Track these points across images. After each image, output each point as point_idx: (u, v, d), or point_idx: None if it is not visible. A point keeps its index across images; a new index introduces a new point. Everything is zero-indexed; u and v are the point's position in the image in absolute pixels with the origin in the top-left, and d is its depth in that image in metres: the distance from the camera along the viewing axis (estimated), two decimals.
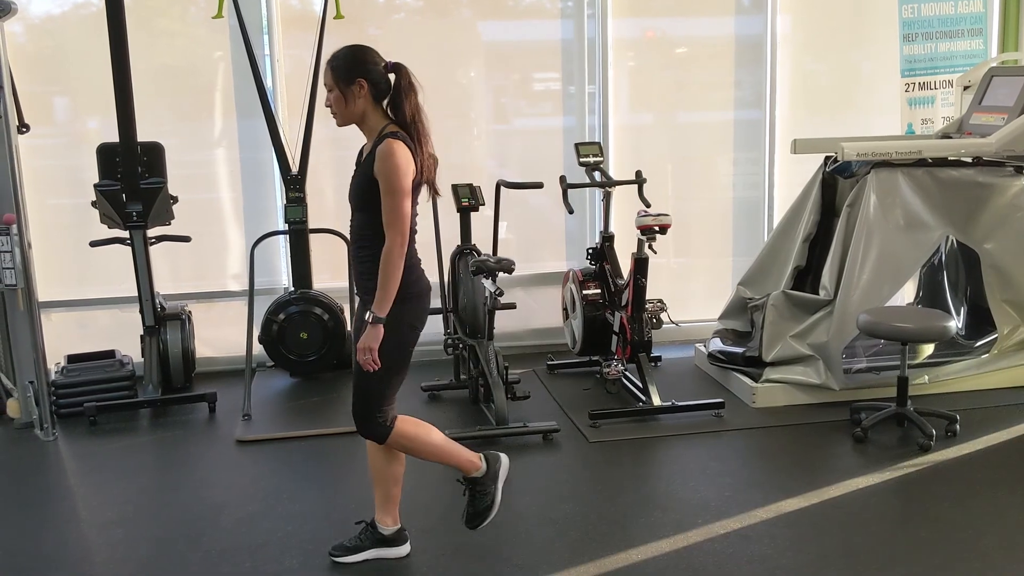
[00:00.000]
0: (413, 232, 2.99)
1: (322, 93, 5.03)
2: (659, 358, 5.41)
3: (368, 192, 2.89)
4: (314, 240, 5.19)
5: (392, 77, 2.95)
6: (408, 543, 3.27)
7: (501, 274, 4.29)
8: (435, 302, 5.26)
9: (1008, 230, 4.68)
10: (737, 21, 5.84)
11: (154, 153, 4.73)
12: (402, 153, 2.85)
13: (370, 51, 2.99)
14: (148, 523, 3.59)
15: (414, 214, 2.98)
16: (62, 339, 5.17)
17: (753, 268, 5.24)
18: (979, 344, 4.86)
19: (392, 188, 2.84)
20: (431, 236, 5.13)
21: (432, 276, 5.14)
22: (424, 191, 3.03)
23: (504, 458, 3.26)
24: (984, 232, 4.70)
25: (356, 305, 3.19)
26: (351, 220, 3.04)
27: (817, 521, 3.47)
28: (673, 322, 4.99)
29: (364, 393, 3.04)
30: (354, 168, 3.03)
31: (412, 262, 2.99)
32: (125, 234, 4.78)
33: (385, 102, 2.97)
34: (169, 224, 4.86)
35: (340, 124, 3.02)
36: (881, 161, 4.57)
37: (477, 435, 4.28)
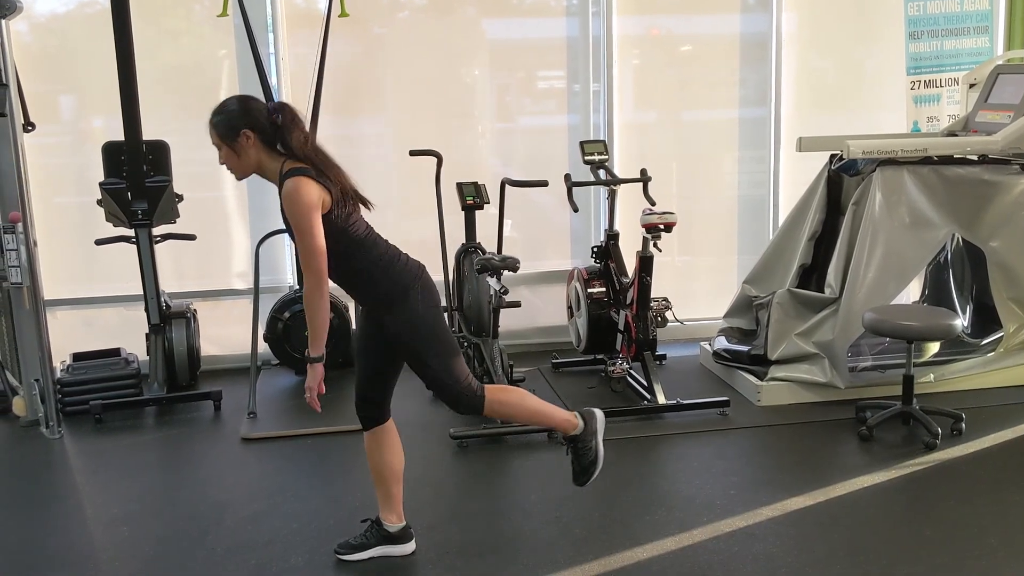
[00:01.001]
0: (371, 240, 2.98)
1: (327, 92, 5.10)
2: (664, 356, 5.41)
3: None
4: None
5: (278, 118, 2.87)
6: (413, 540, 3.27)
7: (506, 272, 4.29)
8: (439, 302, 5.32)
9: (1014, 228, 4.67)
10: (742, 19, 5.84)
11: (159, 151, 4.74)
12: (305, 188, 2.78)
13: (249, 100, 2.93)
14: (153, 521, 3.59)
15: (360, 224, 2.96)
16: (68, 337, 5.18)
17: (758, 266, 5.23)
18: (985, 342, 4.85)
19: (300, 228, 2.79)
20: (435, 234, 5.13)
21: (436, 275, 5.19)
22: (358, 208, 2.99)
23: (599, 413, 3.28)
24: (990, 230, 4.69)
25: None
26: None
27: (822, 520, 3.46)
28: (678, 320, 4.99)
29: (437, 381, 3.06)
30: None
31: (387, 262, 2.99)
32: (130, 232, 4.79)
33: (277, 144, 2.90)
34: (174, 222, 4.86)
35: (239, 178, 2.99)
36: (887, 159, 4.56)
37: (482, 433, 4.29)
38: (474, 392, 3.07)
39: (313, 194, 2.80)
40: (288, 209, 2.80)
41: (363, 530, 3.27)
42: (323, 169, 2.87)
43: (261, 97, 4.97)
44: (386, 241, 3.08)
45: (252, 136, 2.85)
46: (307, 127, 2.94)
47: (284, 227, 2.95)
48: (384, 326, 3.03)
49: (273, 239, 5.19)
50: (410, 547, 3.26)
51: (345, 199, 2.90)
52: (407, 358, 3.07)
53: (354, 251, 2.96)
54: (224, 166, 2.94)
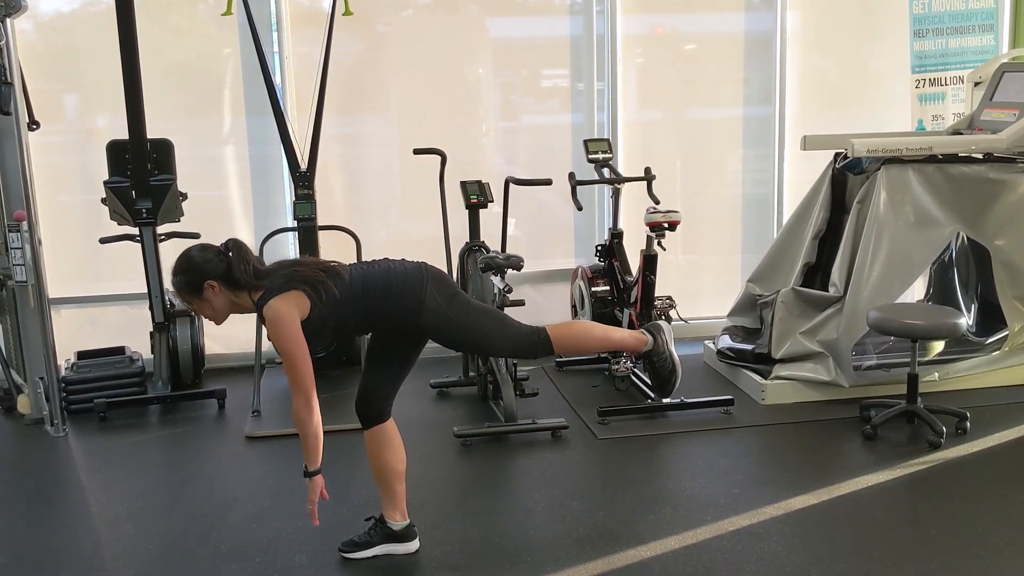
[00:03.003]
0: (370, 274, 2.98)
1: (331, 90, 5.11)
2: None
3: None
4: (323, 237, 5.19)
5: (231, 255, 2.91)
6: (417, 539, 3.27)
7: (510, 271, 4.29)
8: (454, 284, 5.31)
9: (1019, 226, 4.66)
10: (746, 17, 5.83)
11: (164, 150, 4.74)
12: (279, 315, 2.83)
13: (204, 249, 2.95)
14: (158, 519, 3.60)
15: (342, 283, 2.93)
16: (72, 336, 5.18)
17: (762, 265, 5.23)
18: (989, 341, 4.83)
19: (284, 352, 2.85)
20: (439, 232, 5.13)
21: None
22: (338, 273, 2.98)
23: (664, 324, 3.31)
24: (995, 228, 4.68)
25: None
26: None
27: (827, 518, 3.46)
28: (682, 319, 4.99)
29: (495, 350, 3.23)
30: None
31: (387, 285, 2.97)
32: (135, 231, 4.80)
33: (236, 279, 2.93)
34: (179, 221, 4.87)
35: (218, 324, 3.03)
36: (891, 157, 4.55)
37: (486, 432, 4.29)
38: (537, 338, 3.09)
39: (291, 314, 2.85)
40: (274, 336, 2.86)
41: (367, 528, 3.27)
42: (283, 282, 2.89)
43: (264, 97, 5.00)
44: (375, 264, 3.06)
45: (216, 285, 2.91)
46: (248, 254, 2.94)
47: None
48: (415, 334, 3.07)
49: (277, 237, 5.20)
50: (414, 545, 3.27)
51: (321, 288, 2.90)
52: (459, 347, 3.20)
53: (358, 308, 2.97)
54: (204, 317, 3.03)
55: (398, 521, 3.24)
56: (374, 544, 3.23)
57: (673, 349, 3.31)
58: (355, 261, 4.96)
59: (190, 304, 2.98)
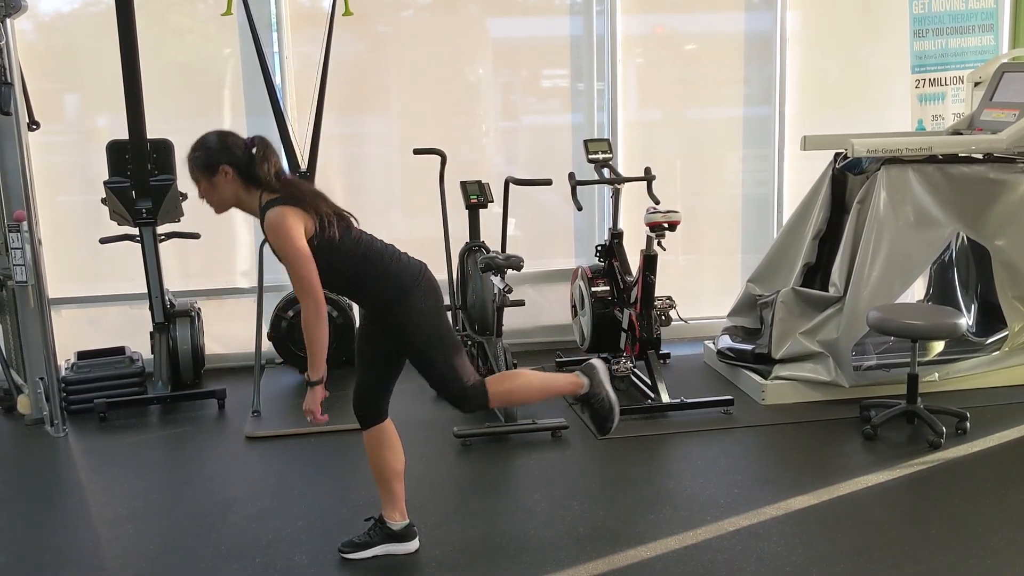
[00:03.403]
0: (368, 249, 2.98)
1: (331, 90, 5.10)
2: (668, 355, 5.40)
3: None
4: None
5: (255, 151, 2.91)
6: (417, 539, 3.28)
7: (510, 271, 4.29)
8: (444, 299, 5.32)
9: (1019, 227, 4.66)
10: (747, 17, 5.83)
11: (164, 150, 4.74)
12: (284, 217, 2.82)
13: (227, 135, 2.95)
14: (158, 519, 3.60)
15: (348, 241, 2.94)
16: (72, 336, 5.18)
17: (762, 265, 5.23)
18: (989, 341, 4.84)
19: (289, 257, 2.83)
20: (439, 232, 5.13)
21: (441, 273, 5.19)
22: (342, 223, 2.98)
23: (598, 363, 3.33)
24: (995, 229, 4.68)
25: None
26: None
27: (827, 518, 3.46)
28: (682, 319, 4.98)
29: (442, 380, 3.09)
30: None
31: (386, 265, 2.99)
32: (135, 231, 4.80)
33: (252, 175, 2.93)
34: (179, 221, 4.87)
35: (218, 212, 3.02)
36: (891, 157, 4.55)
37: (486, 432, 4.29)
38: (478, 389, 3.09)
39: (294, 221, 2.84)
40: (272, 240, 2.84)
41: (367, 528, 3.27)
42: (299, 197, 2.91)
43: (264, 97, 5.00)
44: (384, 243, 3.09)
45: (230, 171, 2.89)
46: (276, 158, 2.96)
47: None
48: (388, 326, 3.04)
49: None
50: (414, 545, 3.27)
51: (328, 222, 2.91)
52: (411, 357, 3.08)
53: (351, 264, 2.97)
54: (203, 200, 2.99)
55: (397, 521, 3.24)
56: (374, 544, 3.24)
57: (610, 389, 3.28)
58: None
59: (198, 184, 2.94)
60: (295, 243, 2.82)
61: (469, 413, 3.23)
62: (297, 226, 2.84)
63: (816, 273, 4.96)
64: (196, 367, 5.06)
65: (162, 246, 4.88)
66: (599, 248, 5.21)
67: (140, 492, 3.85)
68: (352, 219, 3.04)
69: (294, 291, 2.89)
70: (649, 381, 4.69)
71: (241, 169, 2.89)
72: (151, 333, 4.97)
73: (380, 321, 3.06)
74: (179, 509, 3.68)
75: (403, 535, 3.25)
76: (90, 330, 5.35)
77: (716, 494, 3.68)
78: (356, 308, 5.13)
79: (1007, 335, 4.80)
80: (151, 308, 4.91)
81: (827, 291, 4.72)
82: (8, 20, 4.28)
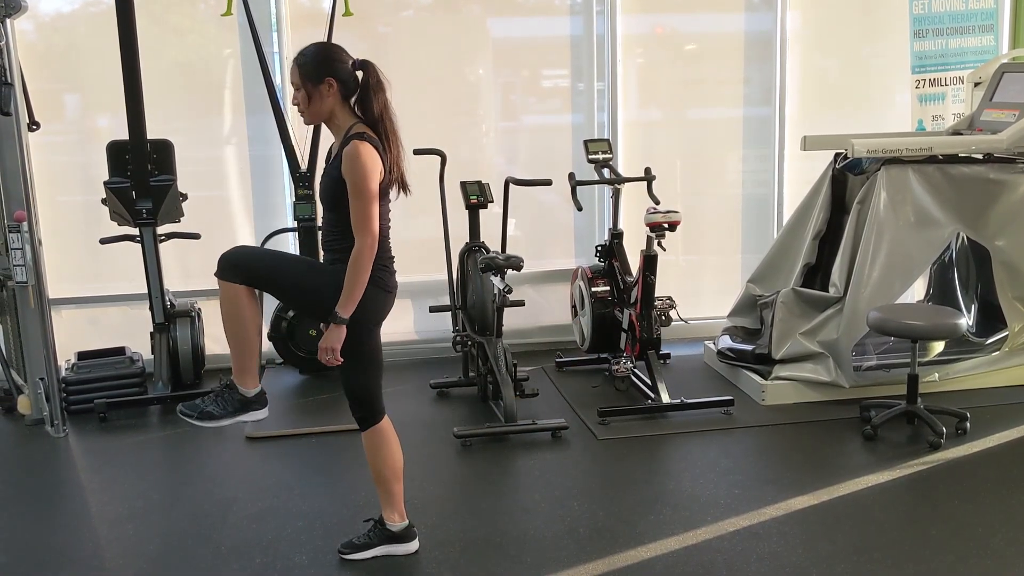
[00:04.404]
0: (386, 232, 2.99)
1: None
2: (668, 355, 5.40)
3: (337, 192, 2.89)
4: None
5: (360, 75, 2.93)
6: (416, 539, 3.27)
7: (510, 271, 4.29)
8: (444, 299, 5.33)
9: (1019, 227, 4.66)
10: (747, 17, 5.83)
11: (164, 150, 4.74)
12: (368, 154, 2.84)
13: (338, 49, 2.98)
14: (158, 519, 3.60)
15: (386, 212, 2.98)
16: (72, 336, 5.18)
17: (763, 265, 5.23)
18: (990, 342, 4.84)
19: (359, 191, 2.83)
20: (439, 233, 5.13)
21: (441, 273, 5.20)
22: (395, 190, 3.03)
23: (414, 545, 3.26)
24: (995, 229, 4.68)
25: None
26: (323, 219, 3.06)
27: (827, 519, 3.46)
28: (682, 319, 4.98)
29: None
30: (324, 165, 3.03)
31: (383, 263, 2.99)
32: (135, 231, 4.79)
33: (353, 100, 2.96)
34: (179, 221, 4.87)
35: (308, 122, 3.03)
36: (891, 158, 4.55)
37: (486, 432, 4.29)
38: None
39: (377, 161, 2.86)
40: (350, 169, 2.83)
41: (366, 530, 3.27)
42: (388, 145, 2.94)
43: (266, 94, 5.01)
44: (388, 244, 3.07)
45: (335, 85, 2.90)
46: (387, 93, 2.97)
47: (319, 192, 2.99)
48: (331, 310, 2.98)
49: (278, 238, 5.20)
50: (413, 546, 3.27)
51: (391, 181, 2.95)
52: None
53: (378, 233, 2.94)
54: (296, 107, 2.96)
55: (397, 522, 3.24)
56: (373, 545, 3.23)
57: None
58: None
59: (298, 87, 2.92)
60: (371, 179, 2.84)
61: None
62: (377, 167, 2.86)
63: (816, 273, 4.97)
64: (196, 367, 5.06)
65: (162, 246, 4.87)
66: (599, 248, 5.21)
67: (140, 492, 3.85)
68: (407, 193, 3.08)
69: (353, 225, 2.86)
70: (649, 381, 4.68)
71: (345, 87, 2.91)
72: (151, 333, 4.97)
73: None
74: (179, 509, 3.68)
75: (403, 536, 3.25)
76: (90, 330, 5.35)
77: (716, 494, 3.68)
78: None
79: (1007, 335, 4.80)
80: (151, 308, 4.91)
81: (827, 291, 4.72)
82: (8, 20, 4.28)
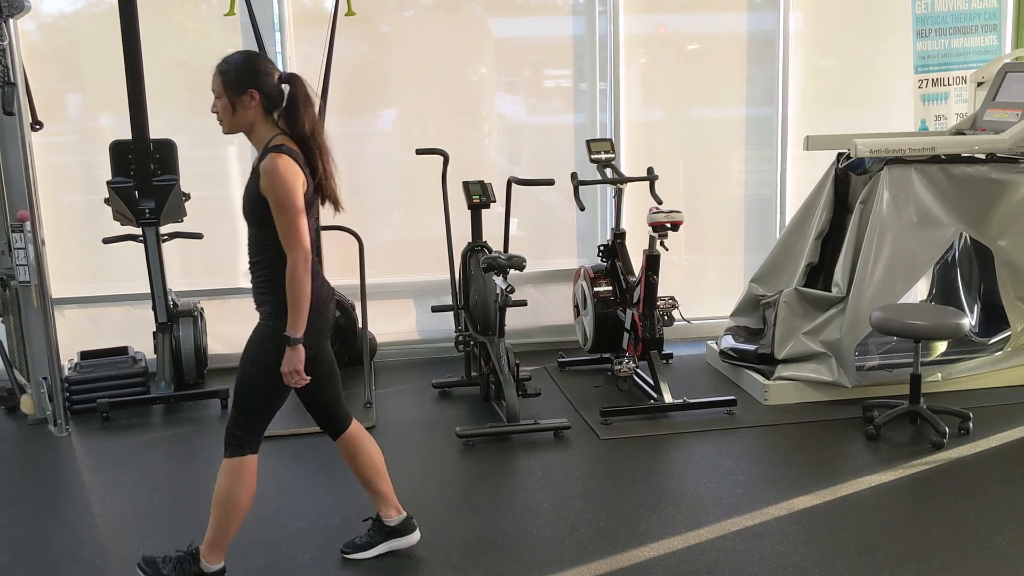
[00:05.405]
0: (314, 243, 2.86)
1: (334, 90, 5.10)
2: (671, 355, 5.41)
3: (257, 207, 2.77)
4: (326, 237, 5.19)
5: (286, 88, 2.82)
6: (417, 530, 3.28)
7: (512, 271, 4.29)
8: (446, 299, 5.33)
9: (1022, 227, 4.65)
10: (749, 17, 5.83)
11: (166, 150, 4.75)
12: (286, 167, 2.71)
13: (264, 60, 2.87)
14: (161, 519, 3.60)
15: (313, 224, 2.87)
16: (75, 336, 5.19)
17: (765, 265, 5.23)
18: (992, 341, 4.83)
19: (283, 206, 2.71)
20: (442, 233, 5.13)
21: (443, 273, 5.20)
22: (325, 206, 2.94)
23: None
24: (998, 229, 4.68)
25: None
26: (247, 235, 2.92)
27: (830, 518, 3.46)
28: (685, 319, 4.98)
29: (234, 408, 2.96)
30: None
31: (312, 273, 2.85)
32: (138, 231, 4.80)
33: (277, 114, 2.84)
34: (181, 221, 4.87)
35: (226, 132, 2.88)
36: (894, 157, 4.55)
37: (488, 432, 4.29)
38: (241, 447, 2.94)
39: (296, 174, 2.74)
40: (269, 185, 2.71)
41: (367, 529, 3.27)
42: (320, 162, 2.84)
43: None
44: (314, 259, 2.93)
45: (257, 98, 2.79)
46: (315, 108, 2.88)
47: (243, 206, 2.84)
48: (257, 329, 2.92)
49: None
50: (415, 537, 3.27)
51: (315, 197, 2.85)
52: (284, 379, 2.86)
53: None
54: (215, 115, 2.85)
55: (393, 517, 3.24)
56: (375, 543, 3.24)
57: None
58: (359, 265, 4.98)
59: (219, 96, 2.81)
60: (293, 191, 2.71)
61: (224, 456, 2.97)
62: (299, 179, 2.74)
63: (819, 273, 4.96)
64: (199, 367, 5.06)
65: (165, 246, 4.88)
66: (602, 248, 5.21)
67: (143, 492, 3.85)
68: (339, 209, 2.98)
69: (282, 241, 2.74)
70: (652, 381, 4.68)
71: (268, 100, 2.80)
72: (154, 333, 4.98)
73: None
74: (182, 509, 3.68)
75: (402, 529, 3.25)
76: (93, 330, 5.36)
77: (719, 494, 3.68)
78: (358, 309, 5.13)
79: (1010, 335, 4.79)
80: (154, 308, 4.92)
81: (830, 291, 4.72)
82: (11, 20, 4.28)
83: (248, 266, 2.93)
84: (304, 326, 2.80)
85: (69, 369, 4.86)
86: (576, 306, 5.42)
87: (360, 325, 5.14)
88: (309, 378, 2.85)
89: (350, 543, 3.25)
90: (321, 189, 2.88)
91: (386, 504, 3.24)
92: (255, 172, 2.78)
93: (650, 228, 4.50)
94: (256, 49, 4.91)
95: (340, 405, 3.16)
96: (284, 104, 2.83)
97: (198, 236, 4.96)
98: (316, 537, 3.38)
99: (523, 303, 4.82)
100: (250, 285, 2.96)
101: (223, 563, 3.03)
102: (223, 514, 2.96)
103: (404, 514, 3.27)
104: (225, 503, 2.95)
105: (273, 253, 2.80)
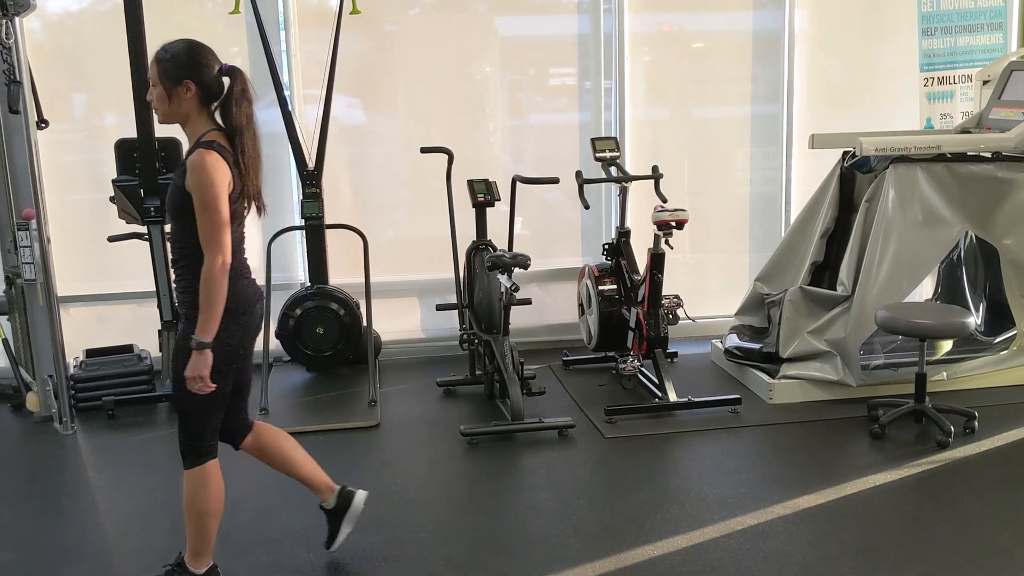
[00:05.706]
0: (239, 244, 2.83)
1: (338, 89, 5.10)
2: (675, 354, 5.40)
3: (182, 203, 2.66)
4: (330, 235, 5.21)
5: (227, 81, 2.74)
6: (358, 492, 3.21)
7: (517, 270, 4.29)
8: (451, 297, 5.33)
9: None
10: (754, 16, 5.82)
11: (172, 148, 4.76)
12: (213, 164, 2.61)
13: (206, 51, 2.76)
14: (166, 516, 3.61)
15: (239, 224, 2.80)
16: (81, 334, 5.21)
17: (770, 264, 5.22)
18: (998, 340, 4.82)
19: (206, 204, 2.61)
20: (446, 231, 5.13)
21: (448, 271, 5.21)
22: (249, 208, 2.85)
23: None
24: (1003, 227, 4.67)
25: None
26: (169, 231, 2.82)
27: (834, 518, 3.45)
28: (689, 318, 4.98)
29: (180, 417, 2.89)
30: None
31: (234, 275, 2.75)
32: (143, 229, 4.81)
33: (214, 106, 2.76)
34: None
35: (161, 122, 2.78)
36: (900, 156, 4.54)
37: (492, 430, 4.29)
38: (198, 457, 2.90)
39: (223, 171, 2.65)
40: (195, 181, 2.61)
41: (326, 521, 3.26)
42: (245, 159, 2.74)
43: (273, 95, 5.01)
44: (243, 257, 2.90)
45: (193, 89, 2.70)
46: (253, 105, 2.78)
47: (167, 201, 2.74)
48: (180, 334, 2.83)
49: (284, 236, 5.21)
50: (360, 497, 3.21)
51: (241, 198, 2.77)
52: (187, 384, 2.73)
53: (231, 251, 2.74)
54: (151, 103, 2.78)
55: (328, 498, 3.18)
56: (335, 530, 3.21)
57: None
58: (364, 263, 4.98)
59: (154, 84, 2.71)
60: (215, 191, 2.61)
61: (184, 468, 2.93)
62: (226, 178, 2.65)
63: (824, 272, 4.96)
64: None
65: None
66: (606, 246, 5.21)
67: (148, 489, 3.86)
68: (262, 213, 2.88)
69: (202, 241, 2.64)
70: (656, 380, 4.68)
71: (205, 92, 2.72)
72: (159, 331, 4.98)
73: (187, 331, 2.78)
74: None
75: (342, 506, 3.19)
76: (98, 328, 5.37)
77: (723, 493, 3.68)
78: (363, 307, 5.13)
79: (1015, 334, 4.78)
80: (159, 306, 4.92)
81: (835, 290, 4.71)
82: (17, 19, 4.29)
83: (172, 265, 2.84)
84: (215, 330, 2.67)
85: (74, 367, 4.88)
86: (580, 305, 5.42)
87: (365, 323, 5.15)
88: (215, 386, 2.73)
89: (326, 539, 3.24)
90: (243, 187, 2.77)
91: (318, 489, 3.20)
92: (182, 166, 2.68)
93: (655, 226, 4.50)
94: (264, 46, 4.92)
95: (237, 411, 3.08)
96: (221, 97, 2.76)
97: None
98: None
99: (527, 301, 4.82)
100: (176, 289, 2.85)
101: (212, 561, 3.01)
102: (198, 523, 2.93)
103: (336, 488, 3.20)
104: (196, 513, 2.92)
105: (197, 252, 2.69)
